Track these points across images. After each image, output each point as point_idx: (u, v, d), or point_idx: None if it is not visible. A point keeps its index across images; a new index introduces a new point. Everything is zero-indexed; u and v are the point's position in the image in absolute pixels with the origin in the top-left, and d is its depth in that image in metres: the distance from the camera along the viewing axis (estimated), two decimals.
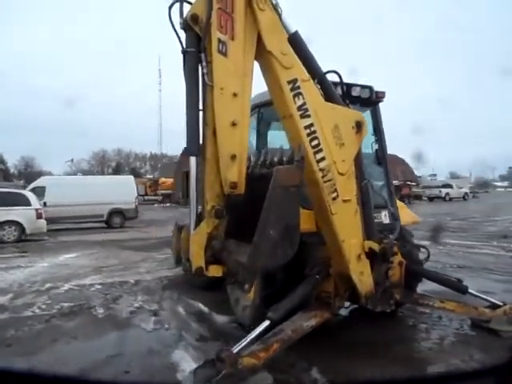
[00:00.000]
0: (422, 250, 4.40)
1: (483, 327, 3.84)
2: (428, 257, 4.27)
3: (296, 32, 3.22)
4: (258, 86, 3.33)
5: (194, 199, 3.07)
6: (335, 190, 3.24)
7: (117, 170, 61.38)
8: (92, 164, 68.22)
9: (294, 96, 3.14)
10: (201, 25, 2.95)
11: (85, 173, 51.65)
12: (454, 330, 4.06)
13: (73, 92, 79.19)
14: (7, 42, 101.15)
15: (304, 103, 3.16)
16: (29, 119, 68.72)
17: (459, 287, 3.96)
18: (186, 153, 3.09)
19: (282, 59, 3.10)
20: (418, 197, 36.47)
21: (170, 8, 2.99)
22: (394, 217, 4.08)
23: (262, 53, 3.13)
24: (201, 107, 3.07)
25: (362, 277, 3.41)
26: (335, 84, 3.59)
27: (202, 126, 3.07)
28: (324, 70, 3.38)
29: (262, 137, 4.82)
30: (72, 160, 55.43)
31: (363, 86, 4.19)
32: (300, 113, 3.15)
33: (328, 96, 3.33)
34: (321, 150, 3.19)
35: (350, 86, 4.03)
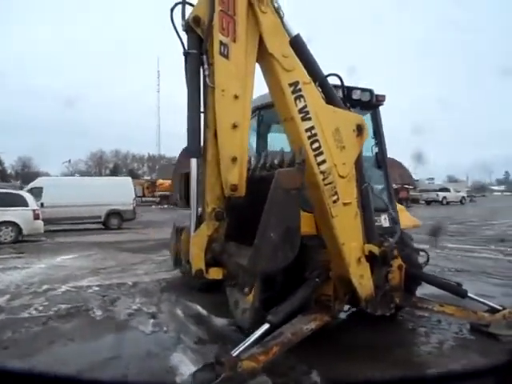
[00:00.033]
0: (421, 253, 4.40)
1: (482, 331, 3.84)
2: (427, 260, 4.27)
3: (297, 35, 3.23)
4: (258, 88, 3.33)
5: (195, 201, 3.06)
6: (336, 193, 3.24)
7: (114, 172, 61.24)
8: (89, 165, 68.07)
9: (296, 99, 3.14)
10: (203, 27, 2.95)
11: (82, 174, 51.50)
12: (453, 334, 4.05)
13: (70, 93, 78.62)
14: (7, 42, 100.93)
15: (305, 106, 3.16)
16: (26, 119, 68.65)
17: (458, 291, 3.96)
18: (187, 154, 3.08)
19: (283, 62, 3.11)
20: (416, 200, 36.56)
21: (172, 10, 2.98)
22: (394, 220, 4.08)
23: (263, 55, 3.13)
24: (202, 109, 3.07)
25: (362, 280, 3.41)
26: (336, 87, 3.60)
27: (203, 127, 3.07)
28: (325, 72, 3.39)
29: (262, 139, 4.81)
30: (69, 161, 55.35)
31: (363, 90, 4.20)
32: (301, 115, 3.15)
33: (329, 99, 3.34)
34: (321, 153, 3.19)
35: (350, 89, 4.04)
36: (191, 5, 3.01)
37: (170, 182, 42.12)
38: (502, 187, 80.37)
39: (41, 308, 5.17)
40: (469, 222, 17.90)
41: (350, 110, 3.51)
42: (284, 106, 3.20)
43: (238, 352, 2.77)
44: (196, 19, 2.95)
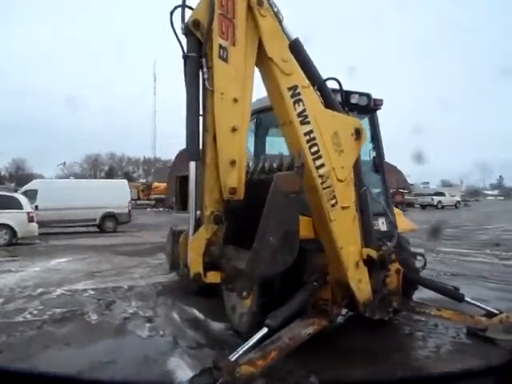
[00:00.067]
0: (418, 258, 4.41)
1: (479, 336, 3.84)
2: (425, 265, 4.28)
3: (297, 39, 3.24)
4: (257, 91, 3.34)
5: (194, 204, 3.05)
6: (334, 197, 3.24)
7: (109, 174, 61.02)
8: (84, 167, 67.79)
9: (294, 102, 3.15)
10: (202, 30, 2.95)
11: (77, 176, 51.26)
12: (450, 339, 4.06)
13: (66, 95, 78.93)
14: (7, 42, 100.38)
15: (304, 110, 3.17)
16: (20, 121, 68.02)
17: (456, 295, 3.97)
18: (186, 157, 3.07)
19: (282, 66, 3.11)
20: (411, 204, 36.72)
21: (172, 13, 2.98)
22: (392, 224, 4.09)
23: (262, 59, 3.14)
24: (201, 112, 3.07)
25: (360, 284, 3.40)
26: (334, 91, 3.61)
27: (201, 131, 3.06)
28: (324, 76, 3.40)
29: (259, 143, 4.82)
30: (64, 163, 55.02)
31: (361, 94, 4.22)
32: (300, 119, 3.16)
33: (328, 103, 3.35)
34: (320, 157, 3.19)
35: (348, 93, 4.06)
36: (191, 8, 3.02)
37: (165, 185, 42.00)
38: (496, 192, 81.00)
39: (35, 312, 5.11)
40: (463, 226, 18.00)
41: (349, 114, 3.52)
42: (283, 109, 3.21)
43: (236, 357, 2.75)
44: (195, 23, 2.94)
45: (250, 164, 3.71)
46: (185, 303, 5.41)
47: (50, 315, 4.98)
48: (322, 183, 3.19)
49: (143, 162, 73.00)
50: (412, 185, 46.66)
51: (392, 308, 3.65)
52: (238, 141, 3.02)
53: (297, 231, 2.85)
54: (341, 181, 3.27)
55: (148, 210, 38.10)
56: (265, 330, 3.02)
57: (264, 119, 4.60)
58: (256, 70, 3.20)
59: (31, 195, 14.91)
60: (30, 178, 36.96)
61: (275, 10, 3.17)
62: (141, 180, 60.34)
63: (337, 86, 3.68)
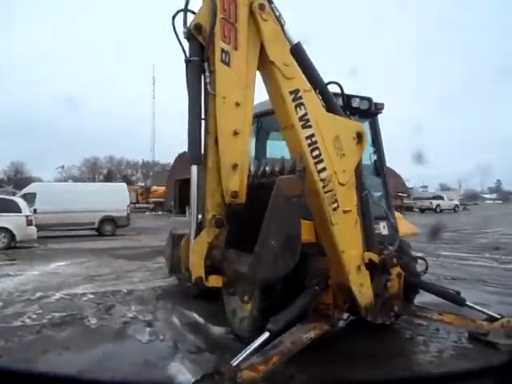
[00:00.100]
0: (420, 262, 4.40)
1: (481, 340, 3.83)
2: (426, 269, 4.27)
3: (298, 43, 3.25)
4: (258, 95, 3.34)
5: (195, 208, 3.04)
6: (336, 201, 3.24)
7: (108, 178, 60.96)
8: (83, 171, 67.73)
9: (296, 106, 3.15)
10: (204, 34, 2.95)
11: (76, 179, 51.11)
12: (452, 343, 4.04)
13: (65, 97, 78.49)
14: (7, 42, 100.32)
15: (305, 113, 3.17)
16: (20, 123, 67.92)
17: (457, 299, 3.96)
18: (185, 160, 3.07)
19: (284, 70, 3.12)
20: (410, 208, 36.78)
21: (174, 17, 2.99)
22: (394, 228, 4.09)
23: (264, 63, 3.14)
24: (203, 116, 3.07)
25: (362, 288, 3.39)
26: (336, 95, 3.62)
27: (203, 134, 3.06)
28: (325, 80, 3.41)
29: (260, 146, 4.82)
30: (63, 166, 54.80)
31: (362, 98, 4.23)
32: (301, 123, 3.16)
33: (329, 107, 3.35)
34: (322, 161, 3.19)
35: (349, 97, 4.06)
36: (193, 12, 3.02)
37: (164, 188, 42.00)
38: (494, 195, 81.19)
39: (34, 316, 5.07)
40: (462, 229, 18.02)
41: (350, 118, 3.52)
42: (284, 113, 3.21)
43: (237, 362, 2.73)
44: (198, 27, 2.95)
45: (251, 168, 3.70)
46: (185, 307, 5.38)
47: (49, 319, 4.94)
48: (323, 187, 3.19)
49: (142, 166, 72.99)
50: (411, 189, 46.74)
51: (393, 312, 3.64)
52: (239, 144, 3.02)
53: (298, 235, 2.85)
54: (342, 184, 3.27)
55: (147, 213, 38.05)
56: (266, 335, 3.01)
57: (265, 123, 4.60)
58: (257, 73, 3.21)
59: (30, 198, 14.89)
60: (28, 181, 36.83)
61: (277, 14, 3.18)
62: (139, 183, 60.23)
63: (338, 90, 3.69)
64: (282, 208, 2.77)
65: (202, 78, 3.03)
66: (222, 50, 2.98)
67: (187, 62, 3.02)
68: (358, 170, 3.43)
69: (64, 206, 15.31)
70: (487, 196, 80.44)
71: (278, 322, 3.13)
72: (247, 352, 2.84)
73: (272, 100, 3.35)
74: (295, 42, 3.24)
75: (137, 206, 40.54)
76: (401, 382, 2.51)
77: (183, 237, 5.12)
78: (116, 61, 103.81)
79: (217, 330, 4.49)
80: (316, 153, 3.18)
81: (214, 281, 3.03)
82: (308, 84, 3.23)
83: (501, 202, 70.85)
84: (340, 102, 3.65)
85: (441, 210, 37.16)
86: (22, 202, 12.91)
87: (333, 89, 3.59)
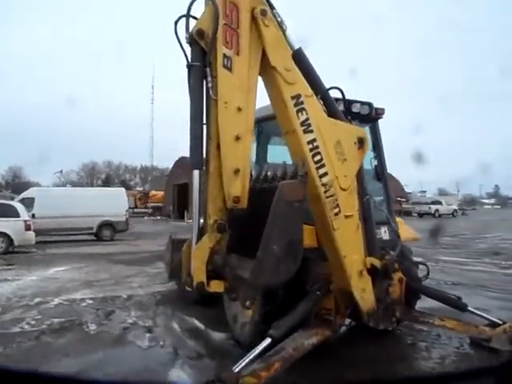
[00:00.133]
0: (421, 267, 4.39)
1: (483, 346, 3.80)
2: (428, 274, 4.25)
3: (300, 48, 3.26)
4: (259, 100, 3.34)
5: (197, 213, 3.03)
6: (337, 206, 3.23)
7: (106, 182, 60.87)
8: (81, 175, 67.63)
9: (298, 111, 3.15)
10: (206, 40, 2.96)
11: (74, 184, 51.11)
12: (454, 349, 4.03)
13: (63, 100, 78.52)
14: (7, 42, 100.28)
15: (307, 118, 3.17)
16: (19, 128, 67.65)
17: (458, 304, 3.94)
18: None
19: (285, 75, 3.13)
20: (408, 213, 36.81)
21: (176, 23, 2.99)
22: (395, 233, 4.08)
23: (266, 68, 3.15)
24: (204, 121, 3.06)
25: (364, 293, 3.38)
26: (337, 100, 3.62)
27: (205, 139, 3.05)
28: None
29: (261, 151, 4.82)
30: (61, 171, 54.71)
31: (363, 103, 4.24)
32: (303, 128, 3.16)
33: (331, 112, 3.36)
34: (323, 166, 3.19)
35: (350, 102, 4.07)
36: (195, 18, 3.03)
37: (162, 193, 41.97)
38: (492, 200, 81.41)
39: (33, 322, 5.04)
40: (461, 234, 18.04)
41: (352, 123, 3.53)
42: (286, 118, 3.21)
43: (239, 368, 2.71)
44: (200, 32, 2.95)
45: (253, 172, 3.70)
46: (185, 313, 5.35)
47: (47, 325, 4.91)
48: (325, 192, 3.19)
49: (140, 170, 72.98)
50: (409, 193, 46.85)
51: (395, 318, 3.62)
52: (241, 149, 3.02)
53: (300, 240, 2.84)
54: (344, 189, 3.26)
55: (145, 218, 37.97)
56: (268, 341, 2.99)
57: (266, 128, 4.61)
58: (259, 78, 3.22)
59: (28, 203, 14.84)
60: (26, 185, 36.80)
61: (279, 19, 3.19)
62: (138, 188, 60.18)
63: (339, 95, 3.69)
64: (283, 213, 2.76)
65: (204, 83, 3.03)
66: (224, 56, 2.98)
67: (189, 67, 3.02)
68: (360, 174, 3.43)
69: (62, 210, 15.27)
70: (485, 201, 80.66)
71: (279, 327, 3.11)
72: (249, 358, 2.81)
73: (273, 105, 3.35)
74: (297, 47, 3.25)
75: (135, 210, 40.42)
76: (401, 382, 2.50)
77: (183, 241, 5.10)
78: (116, 59, 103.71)
79: (217, 336, 4.46)
80: (318, 158, 3.18)
81: (216, 286, 3.01)
82: (309, 89, 3.23)
83: (499, 207, 71.04)
84: (341, 107, 3.65)
85: (439, 215, 37.20)
86: (20, 207, 12.87)
87: (334, 94, 3.59)
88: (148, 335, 4.55)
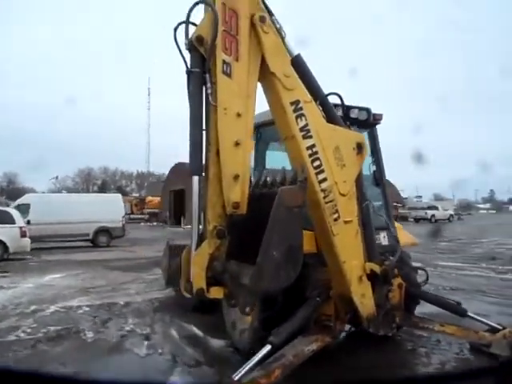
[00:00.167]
0: (420, 272, 4.39)
1: (483, 351, 3.80)
2: (427, 279, 4.25)
3: (299, 55, 3.28)
4: (258, 106, 3.35)
5: (196, 219, 3.01)
6: (336, 211, 3.23)
7: (102, 188, 60.64)
8: (77, 181, 67.34)
9: (297, 117, 3.16)
10: (206, 46, 2.96)
11: (69, 190, 50.82)
12: (454, 355, 4.02)
13: (61, 103, 78.11)
14: (7, 42, 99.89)
15: (306, 124, 3.18)
16: (14, 134, 67.40)
17: (458, 310, 3.94)
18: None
19: (284, 81, 3.14)
20: (404, 218, 36.87)
21: (176, 29, 3.00)
22: (394, 238, 4.08)
23: (265, 74, 3.16)
24: (204, 127, 3.06)
25: (364, 299, 3.37)
26: (335, 106, 3.64)
27: (205, 145, 3.05)
28: (325, 91, 3.43)
29: (259, 157, 4.82)
30: (57, 177, 54.56)
31: (361, 108, 4.26)
32: (302, 133, 3.17)
33: (330, 117, 3.37)
34: (322, 171, 3.20)
35: (348, 108, 4.09)
36: (194, 24, 3.04)
37: (159, 199, 41.85)
38: (488, 205, 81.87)
39: (29, 330, 4.98)
40: (458, 239, 18.11)
41: (350, 129, 3.54)
42: (285, 124, 3.22)
43: (239, 376, 2.69)
44: (199, 38, 2.96)
45: (251, 178, 3.69)
46: (183, 320, 5.31)
47: (44, 333, 4.86)
48: (324, 197, 3.19)
49: (136, 176, 72.79)
50: (405, 198, 47.01)
51: (395, 324, 3.61)
52: (241, 155, 3.02)
53: (300, 246, 2.83)
54: (343, 195, 3.27)
55: (142, 224, 37.81)
56: (268, 348, 2.97)
57: (264, 133, 4.61)
58: (258, 84, 3.23)
59: (24, 209, 14.75)
60: (21, 192, 36.59)
61: (277, 26, 3.21)
62: (134, 194, 59.98)
63: (338, 101, 3.71)
64: (283, 219, 2.75)
65: (204, 89, 3.04)
66: (224, 62, 2.99)
67: (189, 73, 3.02)
68: (359, 180, 3.44)
69: (58, 217, 15.18)
70: (481, 206, 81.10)
71: (279, 334, 3.09)
72: (249, 366, 2.80)
73: (273, 111, 3.36)
74: (296, 53, 3.27)
75: (131, 216, 40.24)
76: (401, 381, 2.49)
77: (180, 247, 5.11)
78: (116, 61, 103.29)
79: (216, 343, 4.43)
80: (317, 163, 3.18)
81: (216, 292, 2.99)
82: (308, 95, 3.25)
83: (494, 211, 71.42)
84: (340, 112, 3.67)
85: (436, 220, 37.32)
86: (15, 213, 12.78)
87: (332, 99, 3.61)
88: (146, 343, 4.51)
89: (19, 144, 65.88)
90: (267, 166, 4.86)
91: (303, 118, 3.17)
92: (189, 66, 3.03)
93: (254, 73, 3.11)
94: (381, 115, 4.42)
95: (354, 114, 4.18)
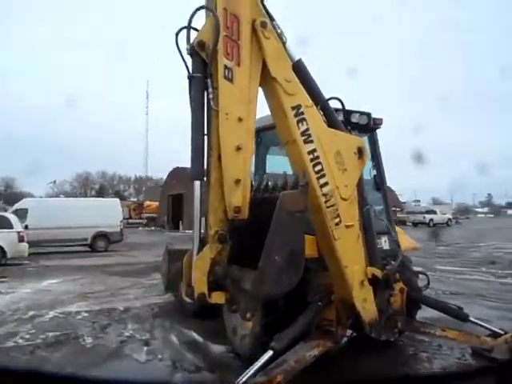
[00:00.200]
0: (421, 276, 4.38)
1: (485, 356, 3.78)
2: (428, 284, 4.24)
3: (300, 60, 3.29)
4: (259, 110, 3.35)
5: (198, 224, 3.00)
6: (338, 216, 3.23)
7: (100, 193, 60.43)
8: (75, 186, 67.14)
9: (298, 122, 3.17)
10: (207, 51, 2.97)
11: (67, 195, 50.71)
12: (455, 360, 4.00)
13: (55, 110, 77.73)
14: (7, 42, 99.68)
15: (307, 129, 3.19)
16: (11, 138, 67.20)
17: (459, 315, 3.93)
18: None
19: (286, 86, 3.15)
20: (403, 222, 36.88)
21: (177, 34, 3.01)
22: (396, 243, 4.08)
23: (266, 79, 3.17)
24: (205, 132, 3.06)
25: (366, 304, 3.36)
26: (336, 110, 3.65)
27: (206, 150, 3.05)
28: (326, 95, 3.44)
29: (260, 161, 4.83)
30: (54, 182, 54.34)
31: (361, 113, 4.27)
32: (303, 138, 3.17)
33: (331, 122, 3.38)
34: (324, 176, 3.20)
35: (349, 112, 4.10)
36: (196, 30, 3.05)
37: (157, 203, 41.77)
38: (486, 209, 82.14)
39: (27, 336, 4.93)
40: (457, 243, 18.12)
41: (351, 133, 3.55)
42: (286, 128, 3.22)
43: (241, 382, 2.67)
44: (201, 43, 2.97)
45: (252, 183, 3.69)
46: (183, 325, 5.28)
47: (42, 339, 4.81)
48: (325, 202, 3.19)
49: (134, 181, 72.65)
50: (404, 203, 47.08)
51: (397, 328, 3.60)
52: (242, 160, 3.01)
53: (302, 250, 2.83)
54: (344, 199, 3.27)
55: (140, 228, 37.67)
56: (270, 353, 2.96)
57: (264, 138, 4.62)
58: (259, 89, 3.23)
59: (21, 214, 14.66)
60: (19, 196, 36.46)
61: (279, 31, 3.22)
62: (132, 199, 59.83)
63: (339, 105, 3.72)
64: (285, 223, 2.75)
65: (205, 94, 3.04)
66: (225, 67, 2.99)
67: (190, 78, 3.03)
68: (360, 184, 3.44)
69: (56, 221, 15.11)
70: (479, 210, 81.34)
71: (281, 339, 3.08)
72: (251, 372, 2.78)
73: (274, 115, 3.36)
74: (297, 58, 3.28)
75: (129, 221, 40.13)
76: (401, 381, 2.48)
77: (179, 252, 5.09)
78: (116, 59, 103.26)
79: (216, 349, 4.40)
80: (318, 168, 3.18)
81: (217, 297, 2.98)
82: (309, 100, 3.26)
83: (492, 215, 71.64)
84: (341, 117, 3.68)
85: (434, 224, 37.36)
86: (13, 218, 12.71)
87: (333, 104, 3.62)
88: (146, 348, 4.48)
89: (16, 148, 65.74)
90: (267, 171, 4.86)
91: (304, 123, 3.18)
92: (190, 71, 3.03)
93: (255, 78, 3.12)
94: (381, 120, 4.44)
95: (354, 118, 4.19)
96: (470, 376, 2.02)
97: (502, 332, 3.78)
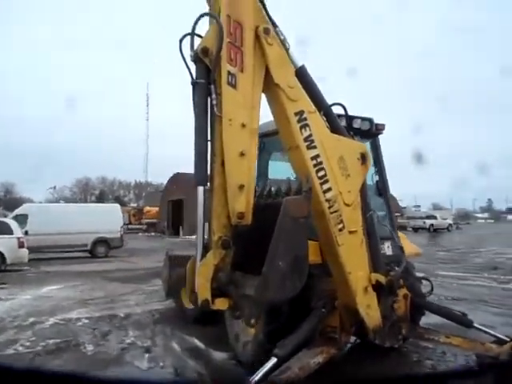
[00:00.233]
0: (424, 282, 4.36)
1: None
2: (432, 289, 4.22)
3: (303, 66, 3.31)
4: (261, 116, 3.35)
5: (201, 229, 2.99)
6: (341, 221, 3.22)
7: (100, 198, 60.44)
8: (74, 191, 67.14)
9: (301, 127, 3.17)
10: (211, 57, 2.98)
11: (67, 200, 50.69)
12: (460, 367, 3.96)
13: (55, 114, 77.70)
14: (7, 42, 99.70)
15: (310, 135, 3.19)
16: (11, 143, 67.12)
17: (464, 321, 3.90)
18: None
19: (289, 92, 3.16)
20: (403, 227, 36.83)
21: (181, 41, 3.02)
22: (399, 248, 4.06)
23: (269, 85, 3.18)
24: (209, 138, 3.06)
25: (369, 310, 3.34)
26: (339, 116, 3.65)
27: (210, 156, 3.05)
28: (329, 101, 3.45)
29: (262, 167, 4.82)
30: (54, 187, 54.32)
31: (364, 119, 4.27)
32: (306, 144, 3.17)
33: (333, 128, 3.38)
34: (327, 181, 3.19)
35: (351, 118, 4.10)
36: (200, 36, 3.06)
37: (157, 209, 41.73)
38: (486, 215, 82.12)
39: (27, 343, 4.90)
40: (457, 249, 18.10)
41: (354, 139, 3.55)
42: (289, 134, 3.23)
43: None
44: (204, 50, 2.98)
45: (256, 188, 3.68)
46: (184, 332, 5.24)
47: (43, 346, 4.78)
48: (329, 207, 3.18)
49: (134, 186, 72.64)
50: (404, 208, 47.05)
51: (401, 335, 3.57)
52: (246, 165, 3.01)
53: (306, 256, 2.83)
54: (348, 205, 3.26)
55: (140, 234, 37.60)
56: (274, 360, 2.93)
57: (267, 143, 4.62)
58: (262, 95, 3.24)
59: (21, 220, 14.62)
60: (19, 202, 36.43)
61: (281, 38, 3.23)
62: (132, 204, 59.78)
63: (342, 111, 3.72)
64: (289, 229, 2.75)
65: (209, 100, 3.05)
66: (229, 73, 3.00)
67: (194, 84, 3.04)
68: (363, 190, 3.44)
69: (56, 227, 15.08)
70: (479, 215, 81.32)
71: (285, 346, 3.06)
72: (255, 379, 2.75)
73: (277, 121, 3.37)
74: (300, 64, 3.29)
75: (129, 227, 40.03)
76: (402, 381, 2.46)
77: (180, 258, 5.07)
78: (116, 59, 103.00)
79: (219, 356, 4.36)
80: (321, 173, 3.18)
81: (221, 304, 2.96)
82: (312, 105, 3.26)
83: (492, 221, 71.62)
84: (343, 122, 3.68)
85: (434, 230, 37.33)
86: (13, 224, 12.68)
87: (336, 110, 3.62)
88: (147, 355, 4.45)
89: (16, 153, 65.66)
90: (269, 176, 4.86)
91: (307, 129, 3.18)
92: (194, 77, 3.04)
93: (258, 84, 3.13)
94: (383, 125, 4.44)
95: (356, 124, 4.19)
96: (470, 376, 2.00)
97: (508, 339, 3.74)
